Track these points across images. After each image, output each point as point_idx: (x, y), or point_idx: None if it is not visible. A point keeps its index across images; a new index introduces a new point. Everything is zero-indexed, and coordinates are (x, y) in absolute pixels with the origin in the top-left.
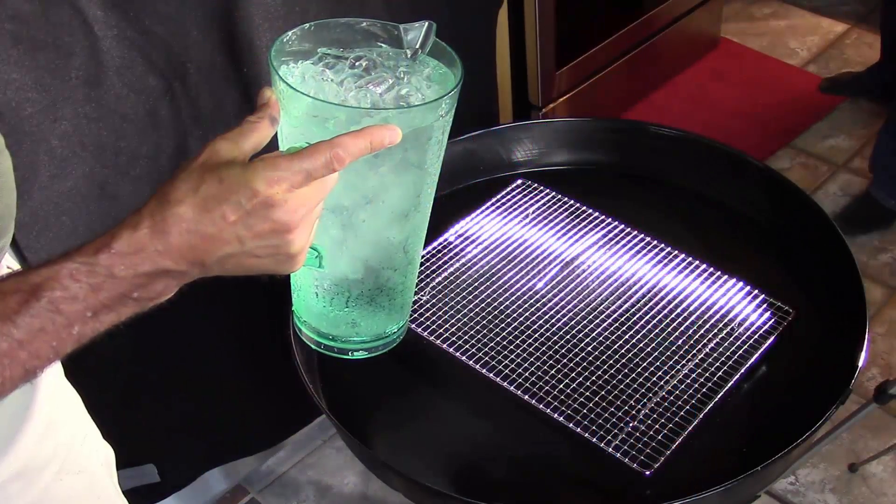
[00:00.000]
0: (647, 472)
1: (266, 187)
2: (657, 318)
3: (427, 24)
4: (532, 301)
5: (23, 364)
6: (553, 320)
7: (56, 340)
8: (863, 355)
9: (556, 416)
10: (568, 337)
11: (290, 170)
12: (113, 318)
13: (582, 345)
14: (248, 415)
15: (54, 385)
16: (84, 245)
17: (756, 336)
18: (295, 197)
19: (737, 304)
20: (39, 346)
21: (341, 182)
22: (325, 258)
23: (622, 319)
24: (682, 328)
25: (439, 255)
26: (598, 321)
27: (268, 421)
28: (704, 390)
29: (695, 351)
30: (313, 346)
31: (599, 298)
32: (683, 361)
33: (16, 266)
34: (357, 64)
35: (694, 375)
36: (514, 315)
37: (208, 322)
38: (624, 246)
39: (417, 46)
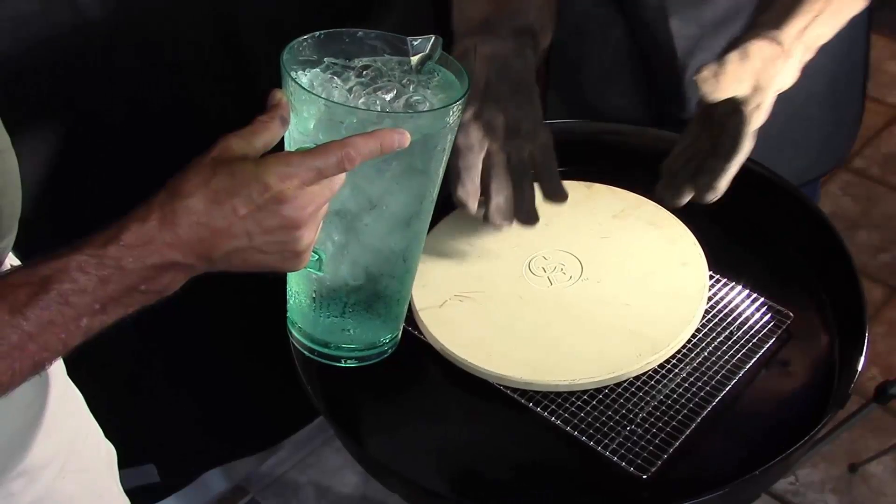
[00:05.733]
0: (645, 476)
1: (278, 182)
2: None
3: (434, 38)
4: None
5: (32, 357)
6: None
7: (65, 333)
8: (863, 357)
9: (553, 419)
10: None
11: (302, 166)
12: (120, 311)
13: None
14: (248, 415)
15: (60, 382)
16: (92, 236)
17: (755, 339)
18: (305, 194)
19: (735, 306)
20: (48, 339)
21: (347, 185)
22: (326, 262)
23: None
24: None
25: None
26: None
27: (268, 421)
28: (702, 393)
29: (693, 354)
30: (305, 353)
31: None
32: (682, 364)
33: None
34: (364, 73)
35: (692, 379)
36: None
37: (208, 322)
38: None
39: (425, 55)
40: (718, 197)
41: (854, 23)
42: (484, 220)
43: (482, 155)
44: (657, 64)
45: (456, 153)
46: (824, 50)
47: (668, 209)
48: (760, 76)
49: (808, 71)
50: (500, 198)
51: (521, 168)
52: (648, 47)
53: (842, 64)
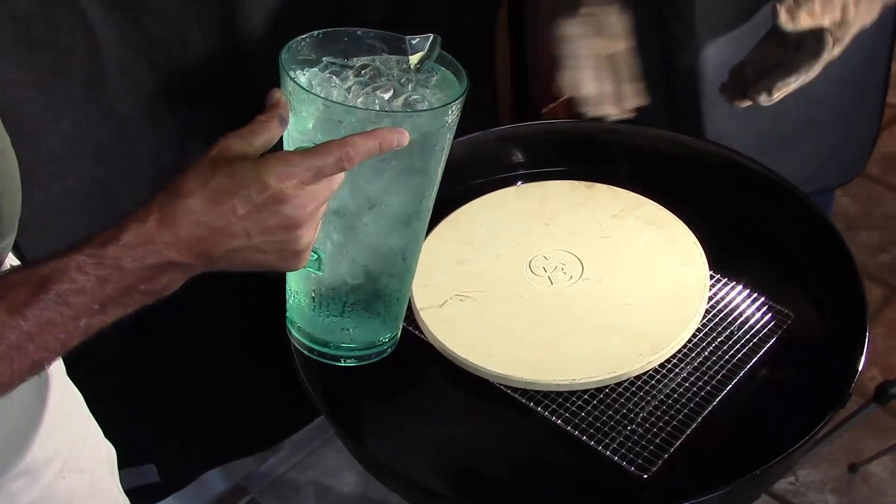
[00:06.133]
0: (645, 475)
1: (277, 182)
2: None
3: (432, 37)
4: None
5: (31, 357)
6: None
7: (64, 333)
8: (863, 357)
9: (553, 418)
10: None
11: (302, 166)
12: (119, 311)
13: None
14: (248, 415)
15: (60, 382)
16: (91, 236)
17: (755, 339)
18: (304, 193)
19: (735, 306)
20: (47, 339)
21: (347, 184)
22: (325, 262)
23: None
24: None
25: None
26: None
27: (268, 421)
28: (703, 393)
29: (693, 354)
30: (305, 352)
31: None
32: (682, 364)
33: None
34: (363, 72)
35: (692, 378)
36: None
37: (208, 322)
38: None
39: (424, 54)
40: (770, 103)
41: (877, 33)
42: (588, 112)
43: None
44: (676, 43)
45: (557, 43)
46: (842, 56)
47: (667, 209)
48: (847, 11)
49: (822, 75)
50: (604, 87)
51: (615, 63)
52: (671, 25)
53: (859, 74)
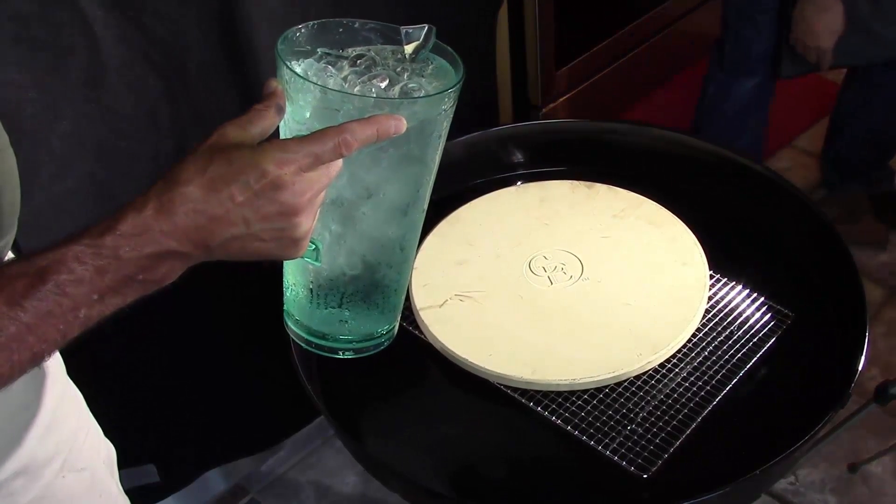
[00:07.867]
0: (645, 475)
1: (275, 168)
2: None
3: (427, 27)
4: None
5: (30, 348)
6: None
7: (63, 324)
8: (863, 357)
9: (553, 418)
10: None
11: (300, 152)
12: (118, 301)
13: None
14: (248, 415)
15: (59, 381)
16: (89, 227)
17: (755, 339)
18: (302, 180)
19: (735, 306)
20: (47, 330)
21: (344, 173)
22: (322, 252)
23: None
24: None
25: None
26: None
27: (268, 421)
28: (703, 393)
29: (693, 354)
30: (303, 345)
31: None
32: (682, 364)
33: None
34: (358, 62)
35: (692, 378)
36: None
37: (208, 322)
38: None
39: (419, 44)
40: None
41: None
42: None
43: None
44: None
45: None
46: None
47: (667, 209)
48: None
49: None
50: None
51: None
52: None
53: None
